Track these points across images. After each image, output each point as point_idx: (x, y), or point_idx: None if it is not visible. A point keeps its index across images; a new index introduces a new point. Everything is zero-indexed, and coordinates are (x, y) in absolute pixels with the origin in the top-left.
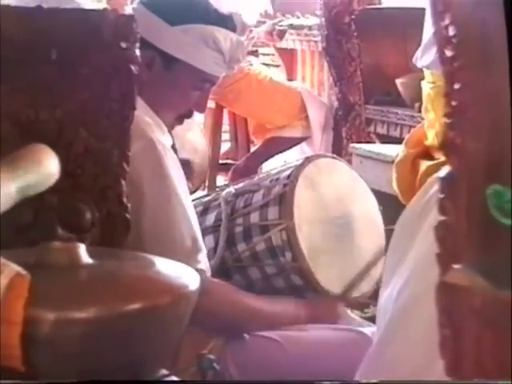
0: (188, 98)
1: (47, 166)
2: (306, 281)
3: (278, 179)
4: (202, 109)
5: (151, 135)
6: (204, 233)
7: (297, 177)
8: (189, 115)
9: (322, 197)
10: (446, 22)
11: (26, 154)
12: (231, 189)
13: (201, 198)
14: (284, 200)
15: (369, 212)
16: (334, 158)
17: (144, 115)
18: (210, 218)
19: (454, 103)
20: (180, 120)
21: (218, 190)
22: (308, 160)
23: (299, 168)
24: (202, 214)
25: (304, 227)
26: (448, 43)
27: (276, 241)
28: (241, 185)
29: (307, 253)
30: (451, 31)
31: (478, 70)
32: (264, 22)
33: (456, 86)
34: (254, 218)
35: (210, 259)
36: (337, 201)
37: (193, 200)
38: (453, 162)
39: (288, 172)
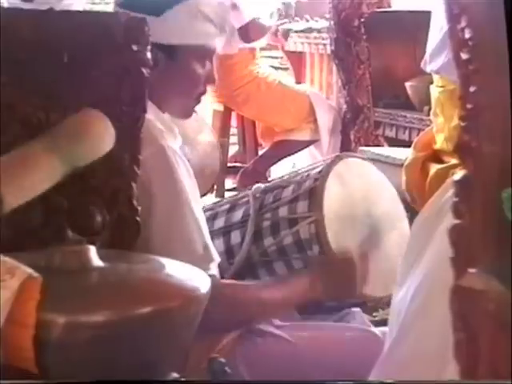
0: (198, 78)
1: (95, 134)
2: None
3: (308, 175)
4: (211, 80)
5: (161, 142)
6: (231, 228)
7: (328, 173)
8: (204, 92)
9: (352, 194)
10: (462, 24)
11: (72, 122)
12: (260, 185)
13: (227, 198)
14: (314, 194)
15: (395, 213)
16: (363, 158)
17: (155, 120)
18: (238, 215)
19: (469, 106)
20: (198, 99)
21: (247, 189)
22: (339, 158)
23: (330, 165)
24: (230, 211)
25: (333, 222)
26: (464, 46)
27: (304, 234)
28: (270, 183)
29: (335, 247)
30: (467, 34)
31: (493, 73)
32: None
33: (471, 89)
34: (283, 212)
35: (236, 254)
36: (365, 200)
37: (216, 202)
38: (468, 166)
39: (318, 169)
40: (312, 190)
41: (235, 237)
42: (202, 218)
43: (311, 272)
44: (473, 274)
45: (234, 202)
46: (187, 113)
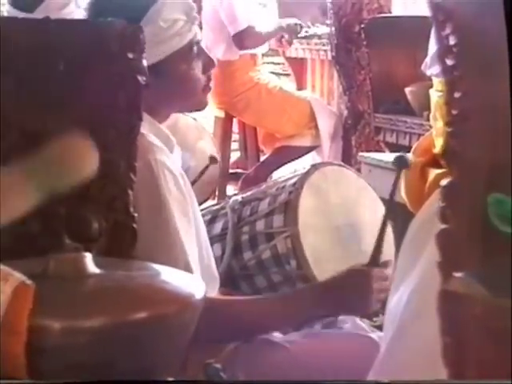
0: (195, 76)
1: (77, 159)
2: None
3: (283, 187)
4: (211, 65)
5: (149, 156)
6: (211, 241)
7: (302, 184)
8: (209, 80)
9: (328, 204)
10: (447, 31)
11: (52, 146)
12: (238, 197)
13: (209, 207)
14: (289, 207)
15: (376, 219)
16: (340, 165)
17: (147, 134)
18: (218, 227)
19: (454, 112)
20: (206, 89)
21: (227, 198)
22: (314, 168)
23: (305, 176)
24: (210, 222)
25: (309, 235)
26: (449, 52)
27: (281, 249)
28: (248, 193)
29: (312, 260)
30: (452, 40)
31: (478, 78)
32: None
33: (456, 95)
34: (260, 226)
35: (217, 267)
36: (343, 208)
37: (201, 210)
38: (454, 171)
39: (294, 180)
40: (287, 204)
41: (216, 250)
42: (190, 234)
43: (322, 285)
44: (458, 278)
45: (214, 213)
46: (202, 104)
